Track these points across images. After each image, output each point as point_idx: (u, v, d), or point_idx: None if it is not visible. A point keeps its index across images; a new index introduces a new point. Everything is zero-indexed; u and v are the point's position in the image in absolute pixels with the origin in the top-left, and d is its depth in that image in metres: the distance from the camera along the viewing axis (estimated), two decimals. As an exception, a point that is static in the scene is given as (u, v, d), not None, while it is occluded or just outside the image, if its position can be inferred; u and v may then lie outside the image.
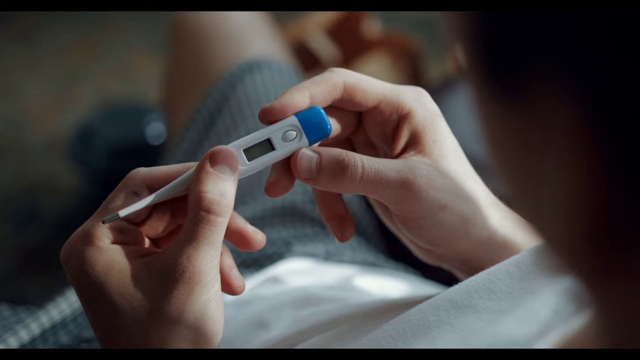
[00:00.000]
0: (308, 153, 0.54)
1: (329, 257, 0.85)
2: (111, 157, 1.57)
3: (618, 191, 0.26)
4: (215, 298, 0.51)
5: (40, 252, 1.59)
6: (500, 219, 0.58)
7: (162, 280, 0.50)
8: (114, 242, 0.51)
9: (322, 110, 0.55)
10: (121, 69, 1.96)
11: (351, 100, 0.56)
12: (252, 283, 0.79)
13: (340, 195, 0.59)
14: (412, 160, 0.55)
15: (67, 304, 0.83)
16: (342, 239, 0.58)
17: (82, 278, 0.50)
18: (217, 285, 0.51)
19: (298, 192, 0.92)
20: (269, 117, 0.54)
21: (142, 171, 0.53)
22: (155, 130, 1.60)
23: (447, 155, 0.56)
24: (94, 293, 0.50)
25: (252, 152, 0.54)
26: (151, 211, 0.54)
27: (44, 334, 0.80)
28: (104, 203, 0.53)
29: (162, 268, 0.50)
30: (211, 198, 0.50)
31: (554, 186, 0.28)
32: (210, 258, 0.50)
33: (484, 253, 0.58)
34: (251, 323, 0.70)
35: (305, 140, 0.54)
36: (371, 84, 0.56)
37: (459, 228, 0.56)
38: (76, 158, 1.58)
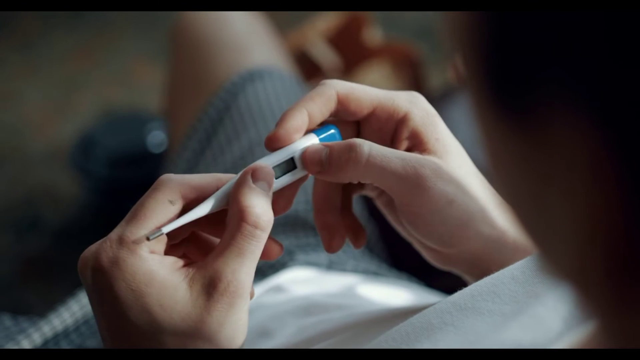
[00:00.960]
0: (318, 146, 0.55)
1: (331, 266, 0.85)
2: (112, 165, 1.56)
3: (636, 221, 0.26)
4: (246, 315, 0.52)
5: (40, 261, 1.59)
6: (509, 219, 0.58)
7: (206, 293, 0.50)
8: (151, 251, 0.51)
9: (335, 131, 0.57)
10: (122, 76, 1.96)
11: (346, 110, 0.57)
12: (256, 292, 0.79)
13: (336, 205, 0.59)
14: (419, 155, 0.55)
15: (69, 313, 0.83)
16: (330, 249, 0.59)
17: (120, 287, 0.49)
18: (249, 298, 0.52)
19: (300, 202, 0.92)
20: (275, 144, 0.55)
21: (174, 178, 0.53)
22: (156, 138, 1.60)
23: (450, 153, 0.56)
24: (132, 303, 0.49)
25: (278, 170, 0.55)
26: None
27: (46, 343, 0.80)
28: (136, 209, 0.52)
29: (207, 281, 0.50)
30: (258, 212, 0.51)
31: (566, 214, 0.28)
32: (251, 273, 0.51)
33: (495, 253, 0.58)
34: (255, 332, 0.69)
35: None
36: (364, 91, 0.57)
37: (467, 225, 0.56)
38: (77, 166, 1.58)
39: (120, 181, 1.56)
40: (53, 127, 1.84)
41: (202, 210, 0.52)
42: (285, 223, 0.91)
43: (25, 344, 0.79)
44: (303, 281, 0.81)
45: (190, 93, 1.05)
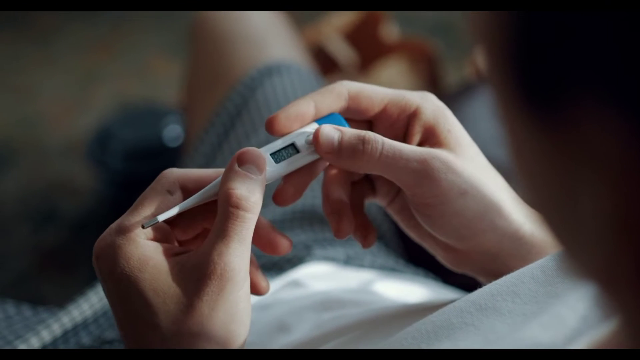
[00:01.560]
0: (330, 128, 0.55)
1: (349, 262, 0.85)
2: (128, 159, 1.57)
3: None
4: (245, 299, 0.52)
5: (57, 253, 1.60)
6: (525, 213, 0.58)
7: (195, 277, 0.50)
8: (148, 239, 0.52)
9: (339, 116, 0.57)
10: (139, 70, 1.96)
11: (358, 107, 0.57)
12: (273, 287, 0.79)
13: (344, 192, 0.60)
14: (431, 148, 0.56)
15: (89, 304, 0.84)
16: (338, 234, 0.59)
17: (116, 272, 0.51)
18: (247, 285, 0.52)
19: (317, 196, 0.92)
20: (272, 127, 0.56)
21: (175, 171, 0.54)
22: (172, 132, 1.60)
23: (464, 145, 0.56)
24: (127, 287, 0.51)
25: (278, 156, 0.56)
26: (182, 215, 0.55)
27: (65, 334, 0.81)
28: (137, 200, 0.53)
29: (194, 265, 0.51)
30: (239, 194, 0.51)
31: (596, 211, 0.28)
32: (240, 255, 0.51)
33: (511, 249, 0.58)
34: (273, 327, 0.70)
35: None
36: (375, 90, 0.57)
37: (482, 217, 0.56)
38: (94, 159, 1.59)
39: (136, 174, 1.56)
40: (70, 120, 1.85)
41: (196, 198, 0.53)
42: (303, 217, 0.91)
43: (45, 335, 0.80)
44: (321, 276, 0.81)
45: (208, 87, 1.06)
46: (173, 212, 0.53)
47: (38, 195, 1.70)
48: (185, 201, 0.53)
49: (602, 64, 0.26)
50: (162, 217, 0.52)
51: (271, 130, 0.56)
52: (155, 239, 0.53)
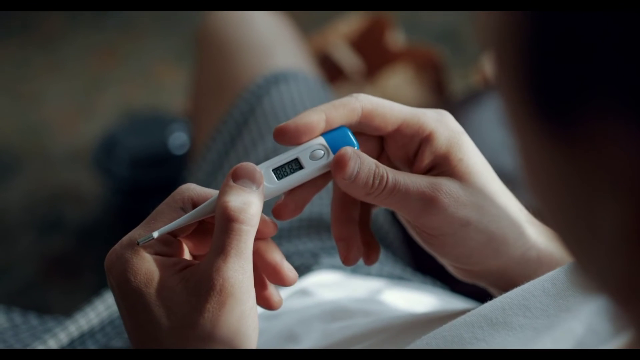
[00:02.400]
0: (355, 155, 0.54)
1: (356, 270, 0.85)
2: (134, 166, 1.57)
3: None
4: (250, 314, 0.51)
5: (63, 261, 1.60)
6: (535, 235, 0.57)
7: (196, 294, 0.50)
8: (156, 253, 0.52)
9: (348, 130, 0.56)
10: (144, 77, 1.97)
11: (370, 124, 0.56)
12: (281, 295, 0.79)
13: (354, 217, 0.59)
14: (436, 178, 0.55)
15: (95, 313, 0.84)
16: (346, 262, 0.58)
17: (125, 285, 0.51)
18: (252, 300, 0.51)
19: (325, 205, 0.92)
20: (283, 136, 0.55)
21: (191, 188, 0.54)
22: (178, 140, 1.60)
23: (474, 173, 0.55)
24: (134, 301, 0.51)
25: (281, 172, 0.55)
26: (196, 228, 0.55)
27: (72, 343, 0.80)
28: (150, 215, 0.53)
29: (196, 281, 0.50)
30: (233, 206, 0.51)
31: (613, 225, 0.27)
32: (239, 270, 0.50)
33: (518, 270, 0.58)
34: (281, 336, 0.69)
35: (332, 157, 0.55)
36: (390, 108, 0.56)
37: (485, 246, 0.56)
38: (99, 167, 1.59)
39: (141, 182, 1.56)
40: (76, 127, 1.85)
41: (193, 215, 0.53)
42: (310, 225, 0.91)
43: (52, 344, 0.79)
44: (329, 285, 0.81)
45: (214, 94, 1.05)
46: (167, 228, 0.52)
47: (43, 202, 1.70)
48: (182, 218, 0.53)
49: (625, 78, 0.25)
50: (156, 234, 0.52)
51: (280, 140, 0.55)
52: (165, 253, 0.52)
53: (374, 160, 0.54)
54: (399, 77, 1.41)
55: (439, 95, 1.43)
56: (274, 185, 0.54)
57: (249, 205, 0.51)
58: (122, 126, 1.64)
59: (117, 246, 0.52)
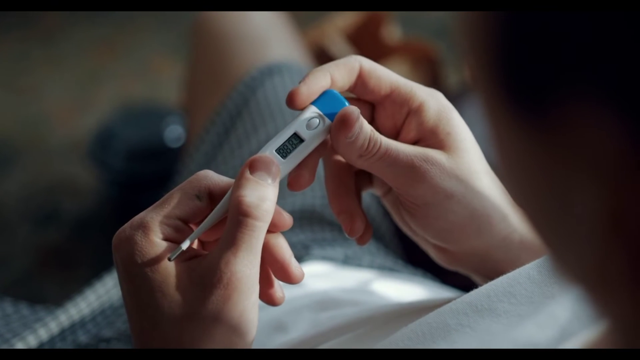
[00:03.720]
0: (356, 111, 0.54)
1: (347, 261, 0.85)
2: (130, 159, 1.57)
3: None
4: (252, 309, 0.51)
5: (59, 252, 1.60)
6: (518, 219, 0.57)
7: (201, 285, 0.49)
8: (166, 239, 0.51)
9: (335, 92, 0.56)
10: (141, 70, 1.97)
11: (365, 86, 0.56)
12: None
13: (351, 189, 0.59)
14: (425, 149, 0.55)
15: (86, 303, 0.84)
16: (351, 233, 0.58)
17: (131, 267, 0.50)
18: (256, 295, 0.51)
19: (317, 196, 0.92)
20: (296, 101, 0.55)
21: (209, 175, 0.53)
22: (174, 132, 1.60)
23: (461, 149, 0.56)
24: (138, 284, 0.50)
25: (284, 150, 0.55)
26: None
27: (62, 332, 0.81)
28: (164, 197, 0.52)
29: (202, 272, 0.50)
30: (249, 202, 0.50)
31: (588, 213, 0.27)
32: (248, 265, 0.50)
33: (501, 253, 0.58)
34: (270, 326, 0.70)
35: (328, 121, 0.56)
36: (386, 72, 0.57)
37: (468, 223, 0.56)
38: (95, 159, 1.59)
39: (138, 174, 1.56)
40: (73, 120, 1.85)
41: (217, 213, 0.52)
42: (302, 217, 0.91)
43: (42, 333, 0.80)
44: (319, 275, 0.81)
45: (209, 87, 1.06)
46: (195, 235, 0.52)
47: (40, 194, 1.70)
48: (209, 218, 0.52)
49: (594, 63, 0.25)
50: (185, 246, 0.51)
51: (293, 105, 0.55)
52: (174, 239, 0.52)
53: (369, 126, 0.55)
54: (395, 71, 1.41)
55: (435, 89, 1.43)
56: (282, 166, 0.54)
57: (263, 200, 0.51)
58: (118, 119, 1.64)
59: (126, 226, 0.51)
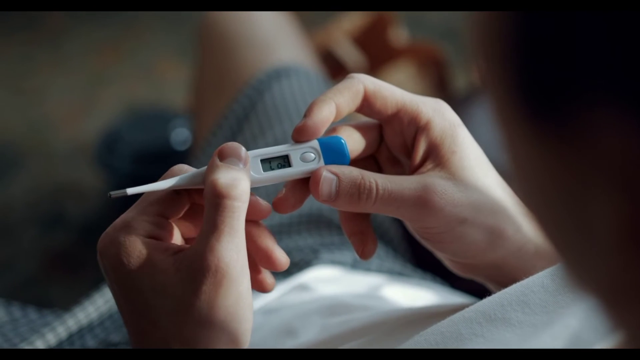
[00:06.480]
0: (329, 176, 0.54)
1: (356, 265, 0.85)
2: (136, 162, 1.57)
3: None
4: (246, 295, 0.50)
5: (65, 256, 1.60)
6: (532, 228, 0.57)
7: (190, 277, 0.49)
8: (149, 236, 0.51)
9: (343, 141, 0.55)
10: (147, 73, 1.96)
11: (371, 107, 0.56)
12: (280, 290, 0.78)
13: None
14: (428, 176, 0.54)
15: (94, 307, 0.83)
16: (363, 255, 0.58)
17: (119, 269, 0.50)
18: (247, 281, 0.50)
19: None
20: (303, 136, 0.55)
21: (184, 168, 0.54)
22: (180, 135, 1.60)
23: (468, 167, 0.55)
24: (129, 286, 0.50)
25: (268, 164, 0.55)
26: (187, 210, 0.54)
27: (70, 337, 0.80)
28: (142, 196, 0.53)
29: (189, 263, 0.49)
30: (223, 182, 0.50)
31: (605, 222, 0.27)
32: (234, 249, 0.49)
33: (515, 263, 0.57)
34: (279, 330, 0.69)
35: (322, 164, 0.55)
36: (391, 91, 0.56)
37: (482, 240, 0.56)
38: (101, 163, 1.59)
39: (143, 178, 1.55)
40: (78, 123, 1.85)
41: (172, 182, 0.52)
42: (309, 221, 0.90)
43: (50, 337, 0.79)
44: (328, 280, 0.81)
45: (216, 90, 1.05)
46: (144, 188, 0.52)
47: (46, 198, 1.70)
48: (157, 183, 0.52)
49: (613, 69, 0.25)
50: (131, 191, 0.52)
51: (300, 140, 0.55)
52: (157, 236, 0.52)
53: (360, 172, 0.54)
54: (402, 74, 1.40)
55: (442, 92, 1.43)
56: (258, 176, 0.54)
57: (238, 181, 0.50)
58: (124, 122, 1.64)
59: (109, 229, 0.52)
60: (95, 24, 2.07)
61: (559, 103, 0.26)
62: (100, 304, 0.84)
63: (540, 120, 0.27)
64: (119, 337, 0.78)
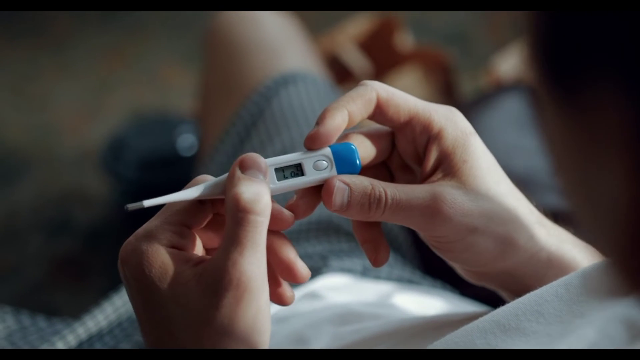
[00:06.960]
0: (341, 186, 0.54)
1: (365, 273, 0.84)
2: (142, 168, 1.57)
3: None
4: (265, 308, 0.50)
5: (71, 263, 1.60)
6: (545, 236, 0.57)
7: (212, 290, 0.49)
8: (171, 246, 0.51)
9: (355, 149, 0.55)
10: (152, 78, 1.96)
11: (383, 115, 0.56)
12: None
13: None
14: (438, 185, 0.54)
15: (104, 315, 0.83)
16: (376, 263, 0.57)
17: (140, 278, 0.50)
18: (266, 294, 0.50)
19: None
20: (316, 144, 0.55)
21: (208, 179, 0.53)
22: (186, 141, 1.60)
23: (479, 176, 0.55)
24: (150, 296, 0.50)
25: (282, 173, 0.55)
26: (210, 221, 0.54)
27: (80, 346, 0.80)
28: (166, 205, 0.53)
29: (210, 277, 0.49)
30: (247, 198, 0.50)
31: (613, 191, 0.31)
32: (256, 262, 0.49)
33: (528, 271, 0.57)
34: (291, 339, 0.69)
35: (334, 172, 0.55)
36: (404, 99, 0.56)
37: (493, 249, 0.55)
38: (107, 169, 1.58)
39: (150, 184, 1.56)
40: (84, 129, 1.85)
41: (190, 193, 0.52)
42: (318, 228, 0.90)
43: (60, 346, 0.79)
44: (338, 288, 0.80)
45: (223, 96, 1.05)
46: (161, 200, 0.52)
47: (51, 204, 1.70)
48: (177, 193, 0.52)
49: (618, 57, 0.30)
50: (147, 203, 0.51)
51: (312, 147, 0.55)
52: (180, 246, 0.51)
53: (370, 181, 0.54)
54: (408, 79, 1.40)
55: (448, 97, 1.42)
56: (273, 185, 0.54)
57: (261, 195, 0.50)
58: (130, 128, 1.64)
59: (132, 238, 0.51)
60: (101, 29, 2.07)
61: (574, 76, 0.32)
62: (109, 312, 0.83)
63: (562, 90, 0.32)
64: (128, 344, 0.78)
